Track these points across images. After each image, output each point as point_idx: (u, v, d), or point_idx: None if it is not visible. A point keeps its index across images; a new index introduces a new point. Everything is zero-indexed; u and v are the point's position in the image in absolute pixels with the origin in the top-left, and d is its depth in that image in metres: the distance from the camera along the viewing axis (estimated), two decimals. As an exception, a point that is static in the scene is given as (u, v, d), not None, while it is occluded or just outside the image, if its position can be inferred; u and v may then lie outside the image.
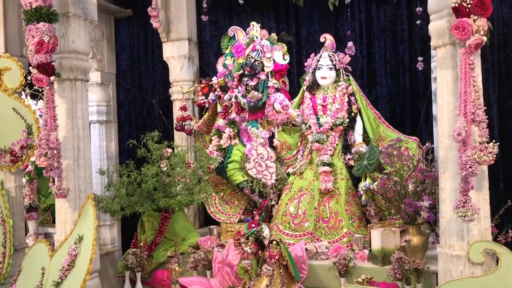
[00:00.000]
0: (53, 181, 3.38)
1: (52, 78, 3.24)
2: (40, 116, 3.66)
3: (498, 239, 3.10)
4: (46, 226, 5.10)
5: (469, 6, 2.37)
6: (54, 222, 3.80)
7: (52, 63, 3.22)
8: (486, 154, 2.38)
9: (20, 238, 3.89)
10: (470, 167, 2.38)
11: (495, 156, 2.40)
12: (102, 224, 4.95)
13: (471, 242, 2.70)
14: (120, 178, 4.15)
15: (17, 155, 3.63)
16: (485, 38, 2.42)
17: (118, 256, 5.01)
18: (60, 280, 3.05)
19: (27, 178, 4.94)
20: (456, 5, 2.40)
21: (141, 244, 4.15)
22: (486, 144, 2.40)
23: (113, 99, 5.40)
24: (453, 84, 2.73)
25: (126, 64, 5.59)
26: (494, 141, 2.42)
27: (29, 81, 3.51)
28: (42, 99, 3.68)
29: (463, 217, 2.46)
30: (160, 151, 4.16)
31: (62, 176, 3.37)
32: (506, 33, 4.16)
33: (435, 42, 2.84)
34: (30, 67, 3.25)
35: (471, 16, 2.39)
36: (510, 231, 3.20)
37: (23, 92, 4.48)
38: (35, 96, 4.91)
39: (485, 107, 2.46)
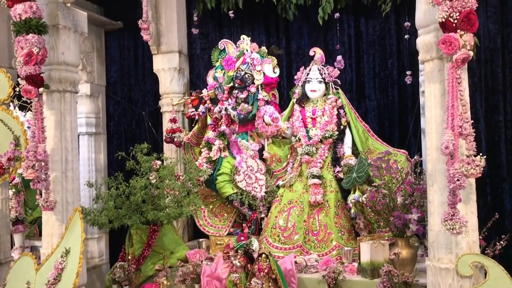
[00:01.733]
0: (40, 194, 3.34)
1: (40, 89, 3.22)
2: (28, 127, 3.62)
3: (486, 251, 3.10)
4: (32, 239, 5.03)
5: (455, 21, 2.40)
6: (40, 235, 3.74)
7: (41, 75, 3.20)
8: (474, 167, 2.39)
9: (5, 251, 3.84)
10: (458, 180, 2.39)
11: (482, 169, 2.41)
12: (89, 237, 4.90)
13: (459, 255, 2.70)
14: (109, 190, 4.12)
15: (3, 167, 3.56)
16: (471, 53, 2.45)
17: (106, 270, 4.95)
18: (46, 294, 3.01)
19: (13, 190, 4.87)
20: (443, 20, 2.43)
21: (129, 257, 4.10)
22: (474, 157, 2.41)
23: (102, 111, 5.38)
24: (441, 97, 2.76)
25: (116, 76, 5.58)
26: (481, 154, 2.44)
27: (17, 93, 3.48)
28: (31, 111, 3.64)
29: (451, 230, 2.46)
30: (149, 163, 4.13)
31: (49, 189, 3.33)
32: (492, 48, 4.22)
33: (423, 56, 2.87)
34: (19, 79, 3.22)
35: (458, 31, 2.42)
36: (497, 243, 3.21)
37: (11, 104, 4.43)
38: (23, 107, 4.87)
39: (472, 121, 2.48)
